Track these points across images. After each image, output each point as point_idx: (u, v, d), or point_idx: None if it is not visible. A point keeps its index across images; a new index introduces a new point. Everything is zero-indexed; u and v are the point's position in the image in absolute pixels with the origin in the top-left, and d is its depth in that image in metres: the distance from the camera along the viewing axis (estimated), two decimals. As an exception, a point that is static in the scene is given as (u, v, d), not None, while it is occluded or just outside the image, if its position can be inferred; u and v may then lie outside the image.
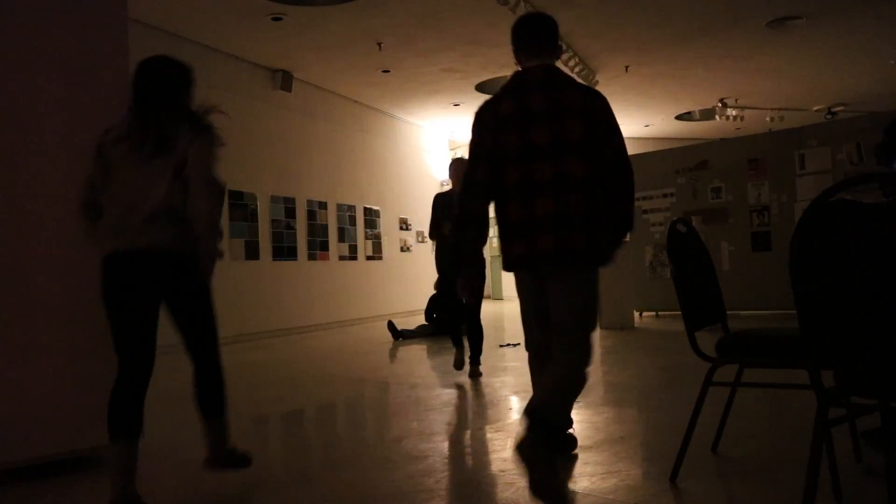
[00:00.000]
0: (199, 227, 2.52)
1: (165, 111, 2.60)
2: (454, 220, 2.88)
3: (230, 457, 2.91)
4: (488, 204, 2.76)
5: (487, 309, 15.05)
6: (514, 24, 2.93)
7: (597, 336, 2.71)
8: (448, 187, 5.77)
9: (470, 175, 2.77)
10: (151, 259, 2.53)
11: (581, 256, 2.57)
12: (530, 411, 2.47)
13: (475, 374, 5.46)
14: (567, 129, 2.61)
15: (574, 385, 2.58)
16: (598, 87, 11.81)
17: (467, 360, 5.53)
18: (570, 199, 2.57)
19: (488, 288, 19.21)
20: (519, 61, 2.91)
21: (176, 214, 2.52)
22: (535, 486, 2.33)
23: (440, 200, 5.67)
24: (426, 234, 6.38)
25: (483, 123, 2.81)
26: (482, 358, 5.57)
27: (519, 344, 7.42)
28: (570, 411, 2.81)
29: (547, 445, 2.40)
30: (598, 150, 2.63)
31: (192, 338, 2.76)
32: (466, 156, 2.99)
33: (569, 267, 2.60)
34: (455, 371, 5.58)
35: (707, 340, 2.47)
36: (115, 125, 2.68)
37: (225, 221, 9.39)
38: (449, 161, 5.82)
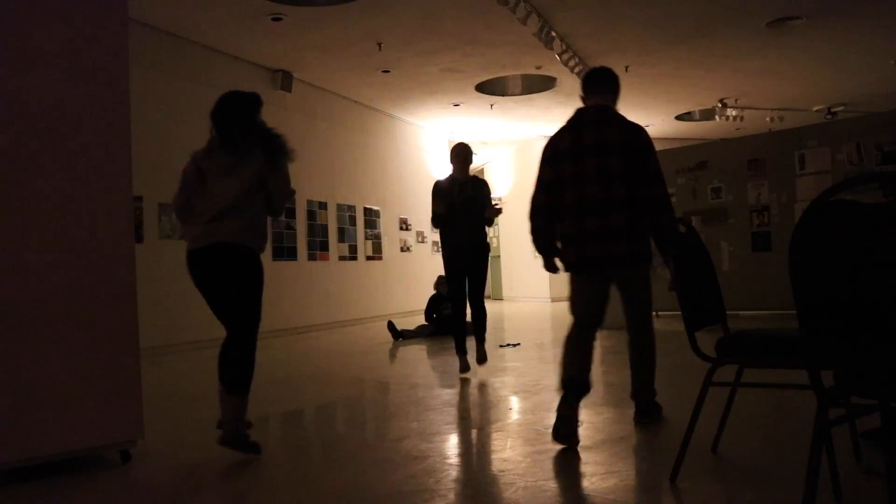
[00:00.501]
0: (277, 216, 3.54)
1: (239, 134, 3.31)
2: (531, 232, 3.61)
3: (241, 440, 3.22)
4: (550, 219, 3.53)
5: (488, 309, 15.02)
6: (585, 72, 3.81)
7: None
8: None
9: (534, 200, 3.57)
10: (226, 249, 3.21)
11: (622, 261, 3.33)
12: (638, 394, 3.53)
13: (482, 357, 5.57)
14: (610, 162, 3.32)
15: (651, 352, 3.55)
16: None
17: (472, 364, 5.56)
18: (613, 217, 3.30)
19: (488, 288, 19.22)
20: (582, 99, 3.61)
21: (245, 213, 3.25)
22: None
23: (441, 188, 5.55)
24: (429, 227, 6.35)
25: (545, 157, 3.55)
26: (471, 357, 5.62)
27: (519, 344, 7.43)
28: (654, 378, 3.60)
29: (654, 412, 3.52)
30: (636, 175, 3.32)
31: (234, 317, 3.29)
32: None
33: (616, 269, 3.38)
34: (457, 372, 5.58)
35: (707, 340, 2.47)
36: (203, 148, 3.39)
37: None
38: (449, 151, 5.74)
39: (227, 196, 3.21)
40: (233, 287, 3.25)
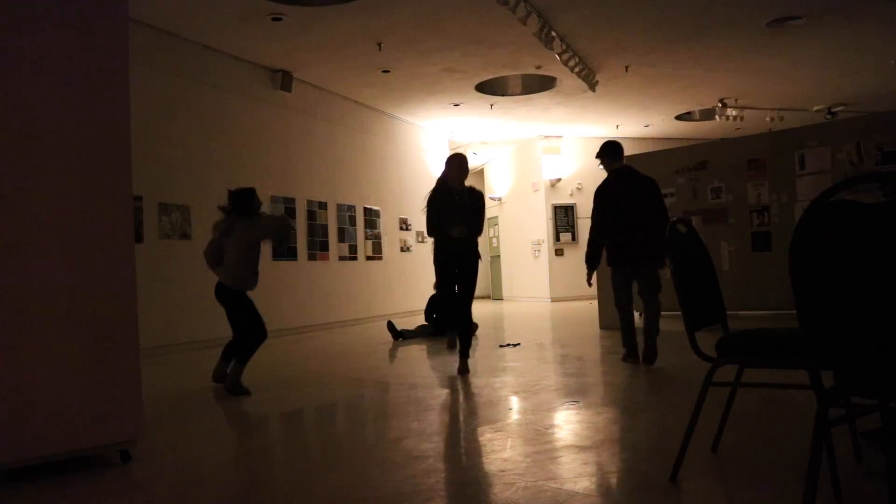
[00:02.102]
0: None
1: (238, 213, 5.26)
2: (589, 243, 5.82)
3: (235, 388, 5.10)
4: (604, 236, 5.70)
5: (488, 309, 15.06)
6: (603, 145, 5.85)
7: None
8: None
9: (595, 222, 5.77)
10: (229, 286, 5.23)
11: (652, 258, 5.52)
12: (649, 351, 5.53)
13: (464, 370, 5.55)
14: (645, 199, 5.56)
15: (658, 316, 5.56)
16: (597, 87, 11.81)
17: (458, 356, 5.59)
18: (647, 232, 5.46)
19: (488, 289, 19.21)
20: (607, 164, 5.79)
21: (236, 263, 5.23)
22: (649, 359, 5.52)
23: (437, 197, 5.59)
24: (425, 234, 6.45)
25: (602, 195, 5.71)
26: (471, 358, 5.60)
27: (519, 344, 7.42)
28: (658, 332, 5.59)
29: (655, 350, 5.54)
30: (655, 208, 5.54)
31: (237, 320, 5.29)
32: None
33: (647, 264, 5.54)
34: (453, 366, 5.58)
35: (707, 340, 2.47)
36: (222, 220, 5.37)
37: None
38: (446, 159, 5.80)
39: (231, 254, 5.22)
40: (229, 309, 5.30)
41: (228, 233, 5.20)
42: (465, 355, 5.62)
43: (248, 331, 5.21)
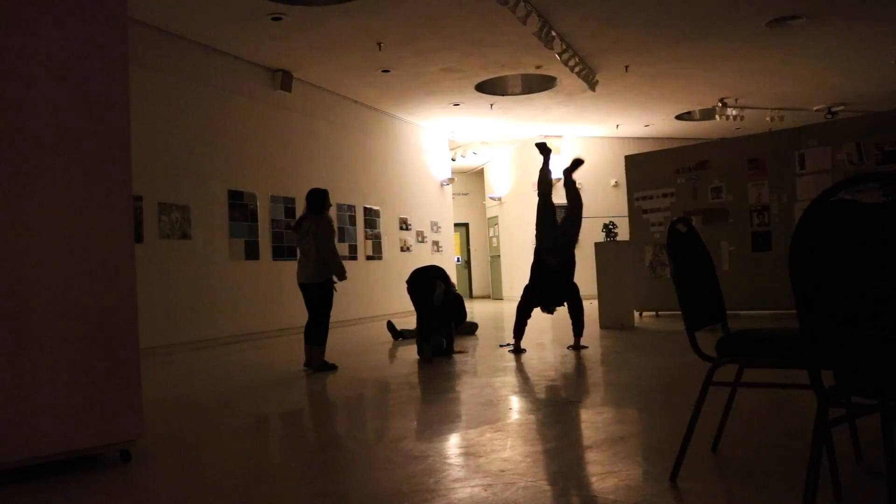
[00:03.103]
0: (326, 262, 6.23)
1: (311, 213, 6.21)
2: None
3: (322, 366, 6.16)
4: None
5: (488, 309, 15.07)
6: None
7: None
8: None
9: None
10: (306, 282, 6.30)
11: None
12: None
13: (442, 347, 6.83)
14: None
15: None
16: (597, 87, 11.80)
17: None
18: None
19: (488, 288, 19.20)
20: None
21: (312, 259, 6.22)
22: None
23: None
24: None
25: None
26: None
27: (525, 350, 7.40)
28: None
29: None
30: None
31: (311, 309, 6.28)
32: None
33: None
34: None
35: (707, 340, 2.47)
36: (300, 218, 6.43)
37: (225, 221, 9.41)
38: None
39: (305, 252, 6.26)
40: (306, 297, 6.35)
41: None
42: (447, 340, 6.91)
43: (314, 313, 6.27)
